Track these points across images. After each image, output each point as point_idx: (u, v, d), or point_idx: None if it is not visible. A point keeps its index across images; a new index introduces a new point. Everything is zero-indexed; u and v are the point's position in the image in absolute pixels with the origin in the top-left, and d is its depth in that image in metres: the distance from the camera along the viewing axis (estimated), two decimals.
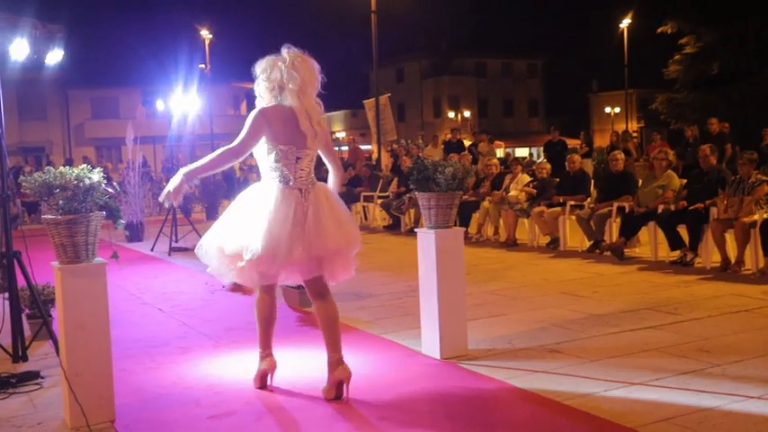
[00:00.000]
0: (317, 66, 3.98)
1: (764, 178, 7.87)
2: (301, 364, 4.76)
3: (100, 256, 3.82)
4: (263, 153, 3.92)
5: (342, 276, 4.05)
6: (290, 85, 3.83)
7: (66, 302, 3.67)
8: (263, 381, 4.18)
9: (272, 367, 4.19)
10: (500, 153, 24.48)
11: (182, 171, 3.89)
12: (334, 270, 4.00)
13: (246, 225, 3.81)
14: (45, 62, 5.91)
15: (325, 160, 4.24)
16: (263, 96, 3.95)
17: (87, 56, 33.82)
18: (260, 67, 3.93)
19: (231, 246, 3.82)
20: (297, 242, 3.75)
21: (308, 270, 3.90)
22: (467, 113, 50.56)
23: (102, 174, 3.75)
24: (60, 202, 3.61)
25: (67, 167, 3.74)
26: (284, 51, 3.90)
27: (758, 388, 3.90)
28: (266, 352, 4.17)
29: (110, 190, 3.82)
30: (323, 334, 3.99)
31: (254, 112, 3.88)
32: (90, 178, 3.66)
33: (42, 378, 4.52)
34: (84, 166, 3.78)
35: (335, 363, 3.92)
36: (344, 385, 3.91)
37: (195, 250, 4.07)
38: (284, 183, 3.86)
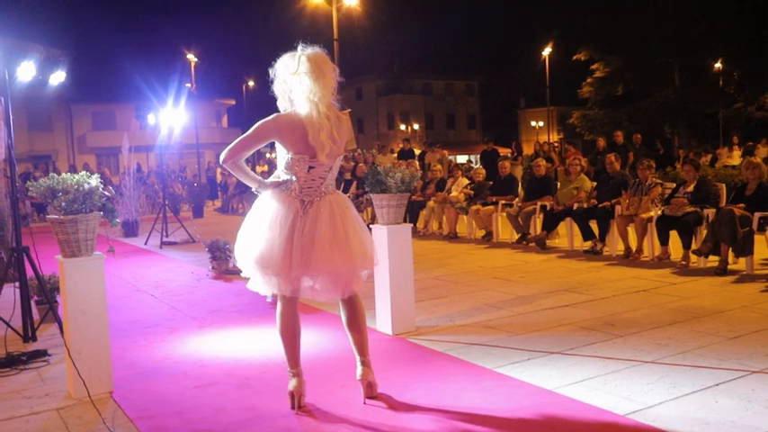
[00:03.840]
0: (329, 66, 3.21)
1: (658, 181, 8.06)
2: (275, 341, 4.70)
3: (98, 250, 3.76)
4: (279, 157, 3.29)
5: (331, 294, 3.35)
6: (297, 94, 3.18)
7: (69, 291, 3.60)
8: (292, 401, 3.33)
9: (299, 389, 3.32)
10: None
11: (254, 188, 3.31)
12: (326, 287, 3.29)
13: (252, 233, 3.25)
14: (49, 82, 5.78)
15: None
16: (281, 100, 3.30)
17: (89, 75, 33.22)
18: (274, 72, 3.24)
19: (249, 255, 3.23)
20: (288, 256, 3.15)
21: (320, 290, 3.29)
22: (416, 126, 50.66)
23: (99, 179, 3.69)
24: (63, 204, 3.54)
25: (69, 174, 3.67)
26: (297, 53, 3.19)
27: (652, 354, 4.00)
28: (295, 371, 3.35)
29: (106, 193, 3.74)
30: (348, 336, 3.46)
31: (268, 118, 3.22)
32: (89, 183, 3.59)
33: (49, 356, 4.43)
34: (84, 172, 3.70)
35: (360, 364, 3.41)
36: (373, 385, 3.39)
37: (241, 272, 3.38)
38: (289, 190, 3.24)
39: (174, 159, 25.50)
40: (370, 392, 3.40)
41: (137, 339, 4.85)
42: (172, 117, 12.90)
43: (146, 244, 10.69)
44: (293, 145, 3.20)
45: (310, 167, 3.23)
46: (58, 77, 5.72)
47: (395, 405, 3.35)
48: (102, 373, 3.67)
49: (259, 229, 3.23)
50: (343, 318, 3.45)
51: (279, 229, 3.19)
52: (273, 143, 3.31)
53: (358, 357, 3.44)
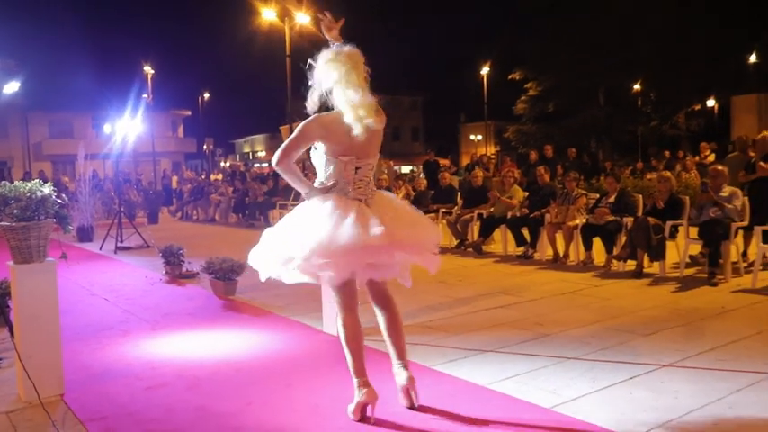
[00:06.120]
0: (358, 56, 3.06)
1: (583, 192, 8.30)
2: (225, 343, 4.65)
3: (51, 256, 3.63)
4: (320, 165, 3.09)
5: (432, 265, 3.20)
6: (331, 84, 3.02)
7: (20, 296, 3.46)
8: (362, 413, 3.06)
9: (373, 399, 3.05)
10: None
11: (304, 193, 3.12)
12: (424, 260, 3.15)
13: (304, 228, 2.96)
14: (4, 91, 5.55)
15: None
16: (313, 102, 3.09)
17: (46, 85, 31.90)
18: (314, 68, 3.07)
19: (304, 248, 2.92)
20: (360, 232, 2.86)
21: (383, 269, 3.09)
22: None
23: (52, 187, 3.56)
24: (15, 211, 3.40)
25: (22, 182, 3.53)
26: (335, 49, 3.05)
27: (576, 351, 4.10)
28: (363, 380, 3.08)
29: (59, 201, 3.61)
30: (387, 341, 3.23)
31: (308, 119, 3.04)
32: (42, 191, 3.47)
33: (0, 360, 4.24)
34: (37, 180, 3.57)
35: (399, 369, 3.19)
36: (412, 392, 3.17)
37: (249, 262, 3.19)
38: (342, 194, 3.03)
39: (131, 167, 24.83)
40: (410, 400, 3.17)
41: (89, 342, 4.69)
42: (128, 127, 12.57)
43: (101, 249, 10.35)
44: (339, 145, 3.01)
45: (357, 168, 3.05)
46: (12, 87, 5.50)
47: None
48: (53, 376, 3.53)
49: (314, 223, 2.93)
50: (385, 325, 3.21)
51: (343, 216, 2.90)
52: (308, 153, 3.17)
53: (398, 362, 3.20)
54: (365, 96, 3.01)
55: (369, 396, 3.05)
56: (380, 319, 3.24)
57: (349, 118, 2.97)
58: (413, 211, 3.21)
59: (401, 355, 3.21)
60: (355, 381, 3.10)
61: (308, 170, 7.48)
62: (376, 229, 2.87)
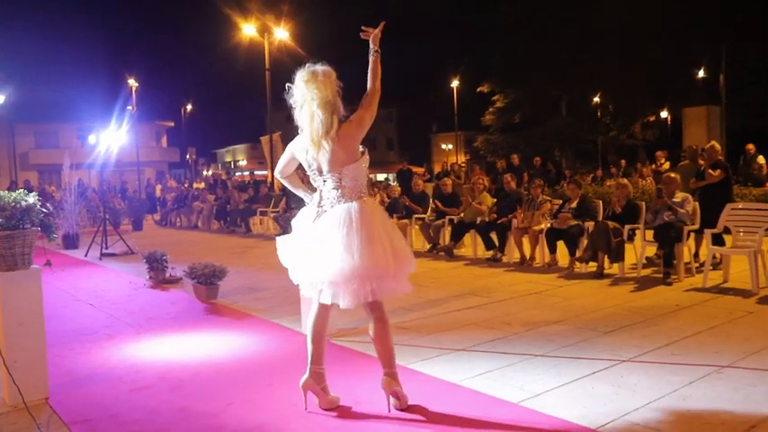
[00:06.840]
0: (322, 75, 3.02)
1: (548, 198, 8.39)
2: (208, 345, 4.59)
3: (36, 263, 3.54)
4: None
5: (352, 302, 3.01)
6: (295, 106, 3.08)
7: (5, 303, 3.37)
8: (305, 395, 3.21)
9: (308, 387, 3.17)
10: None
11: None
12: (346, 292, 2.99)
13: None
14: None
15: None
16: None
17: (31, 96, 31.34)
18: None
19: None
20: (302, 261, 3.06)
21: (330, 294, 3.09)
22: None
23: (37, 197, 3.48)
24: (0, 220, 3.32)
25: (7, 192, 3.45)
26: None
27: (541, 348, 4.14)
28: (311, 367, 3.18)
29: (43, 210, 3.53)
30: (376, 349, 3.18)
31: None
32: (26, 201, 3.39)
33: None
34: (22, 190, 3.49)
35: (384, 376, 3.14)
36: (391, 397, 3.11)
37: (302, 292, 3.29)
38: (313, 203, 3.16)
39: (116, 176, 24.44)
40: (398, 405, 3.12)
41: (74, 347, 4.59)
42: (113, 137, 12.35)
43: (86, 256, 10.16)
44: (305, 163, 3.14)
45: (324, 181, 3.08)
46: None
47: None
48: (38, 381, 3.45)
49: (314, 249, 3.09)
50: (371, 330, 3.16)
51: (298, 238, 3.14)
52: None
53: (383, 369, 3.15)
54: (313, 124, 3.02)
55: (306, 383, 3.16)
56: (371, 327, 3.17)
57: (311, 147, 3.06)
58: (396, 236, 3.09)
59: (384, 363, 3.14)
60: (310, 367, 3.18)
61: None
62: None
